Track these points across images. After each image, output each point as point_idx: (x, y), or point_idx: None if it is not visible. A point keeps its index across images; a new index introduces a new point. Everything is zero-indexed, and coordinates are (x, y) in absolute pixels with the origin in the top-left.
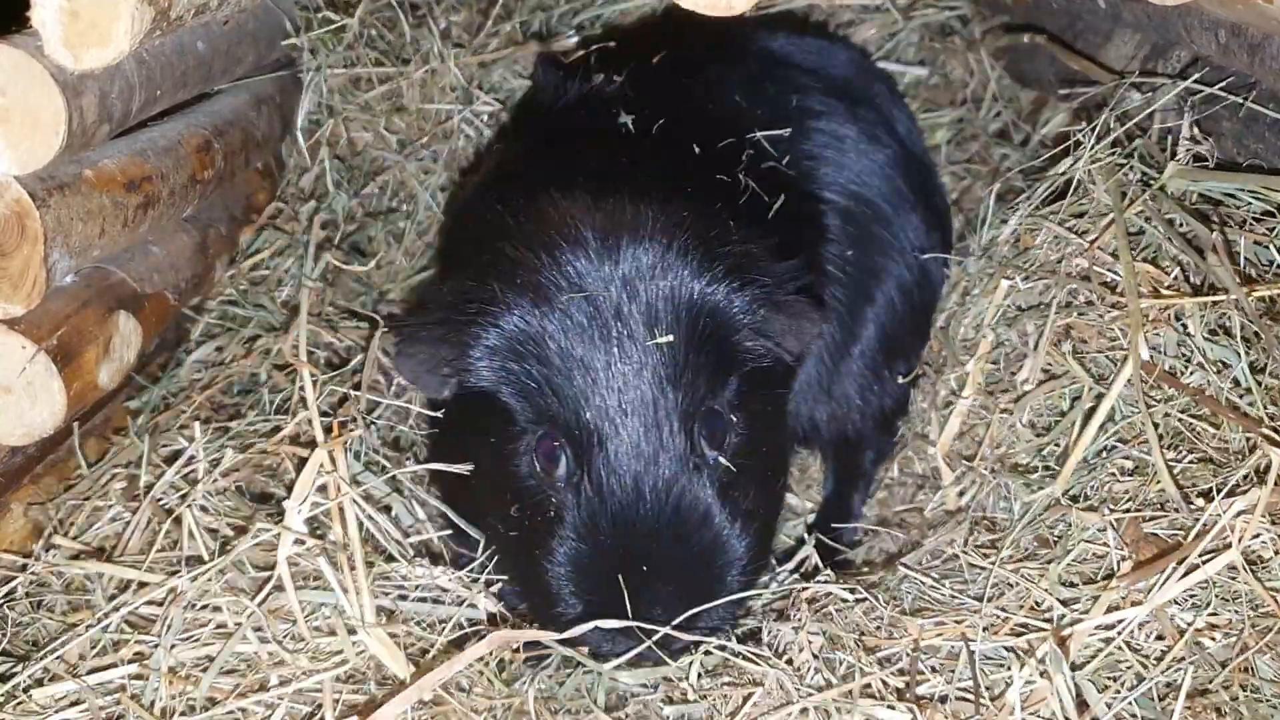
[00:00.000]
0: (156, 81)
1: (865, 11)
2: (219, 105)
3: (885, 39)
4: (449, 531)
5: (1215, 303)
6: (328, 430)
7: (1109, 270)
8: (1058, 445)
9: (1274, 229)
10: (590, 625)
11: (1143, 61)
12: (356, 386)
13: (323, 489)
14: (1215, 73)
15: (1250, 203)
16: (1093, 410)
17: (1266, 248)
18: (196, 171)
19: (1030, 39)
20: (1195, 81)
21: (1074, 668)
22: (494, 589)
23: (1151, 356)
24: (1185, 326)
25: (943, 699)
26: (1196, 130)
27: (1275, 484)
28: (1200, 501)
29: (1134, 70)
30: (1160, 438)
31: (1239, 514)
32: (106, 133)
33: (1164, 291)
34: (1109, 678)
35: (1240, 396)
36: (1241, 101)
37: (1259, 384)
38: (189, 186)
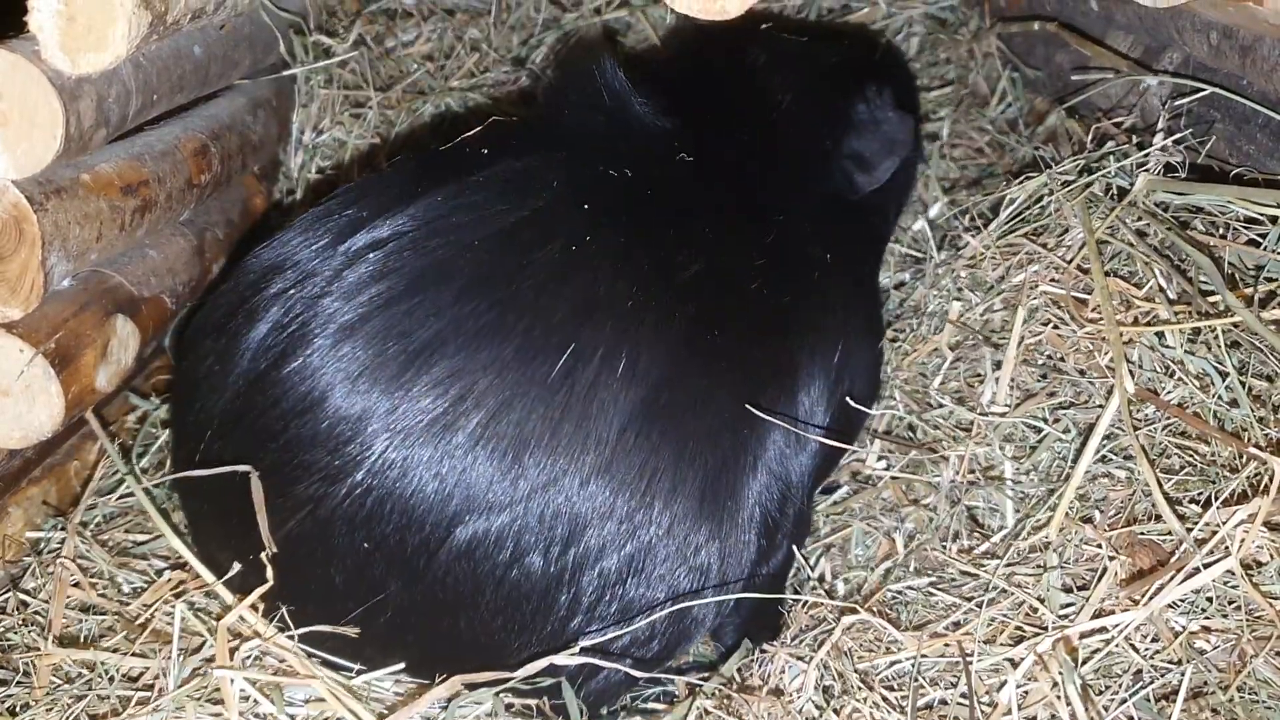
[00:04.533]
0: (153, 86)
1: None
2: (216, 109)
3: (885, 30)
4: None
5: (1198, 326)
6: None
7: (1081, 286)
8: (1039, 464)
9: (1264, 235)
10: (545, 662)
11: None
12: None
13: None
14: (1207, 75)
15: (1232, 209)
16: (1079, 439)
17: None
18: (193, 175)
19: (1041, 25)
20: (1188, 79)
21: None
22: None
23: (1135, 381)
24: (1163, 336)
25: (942, 704)
26: (1170, 141)
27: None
28: (1195, 508)
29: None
30: (1146, 452)
31: (1239, 524)
32: (104, 137)
33: (1139, 301)
34: (1106, 681)
35: (1229, 407)
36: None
37: (1244, 386)
38: (186, 190)
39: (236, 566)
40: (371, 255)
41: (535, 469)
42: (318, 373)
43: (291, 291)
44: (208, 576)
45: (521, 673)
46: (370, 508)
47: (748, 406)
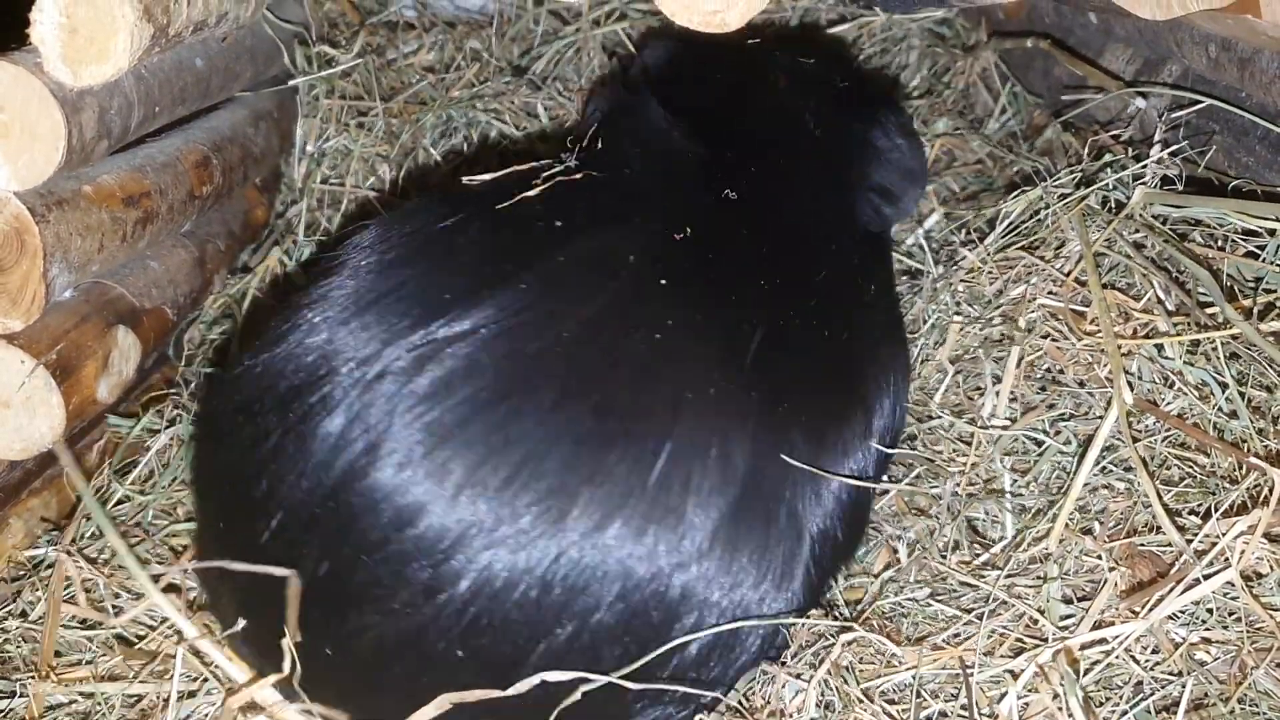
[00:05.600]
0: (155, 98)
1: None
2: (217, 121)
3: (883, 43)
4: None
5: (1196, 339)
6: None
7: (1079, 298)
8: (1039, 475)
9: (1262, 247)
10: (538, 678)
11: (1134, 75)
12: None
13: None
14: (1206, 87)
15: (1231, 221)
16: (1079, 450)
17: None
18: (195, 187)
19: (1034, 42)
20: (1187, 91)
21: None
22: None
23: (1134, 392)
24: (1162, 348)
25: (943, 716)
26: (1165, 154)
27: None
28: (1194, 519)
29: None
30: (1146, 463)
31: (1239, 535)
32: (105, 148)
33: (1137, 313)
34: (1106, 693)
35: (1229, 418)
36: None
37: (1243, 397)
38: (187, 202)
39: (240, 623)
40: (456, 348)
41: (629, 576)
42: (414, 482)
43: (365, 377)
44: (230, 669)
45: (514, 689)
46: (468, 621)
47: (802, 465)
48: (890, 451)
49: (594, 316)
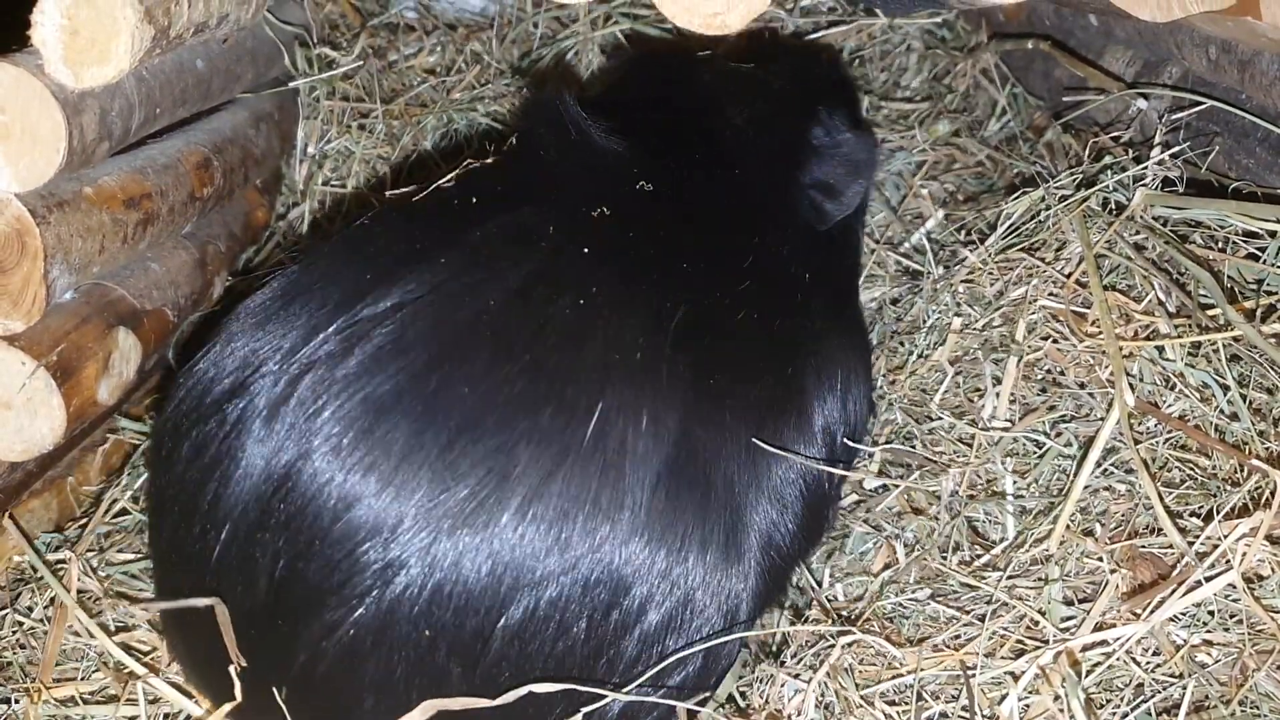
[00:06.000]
0: (156, 99)
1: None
2: (218, 123)
3: (884, 45)
4: None
5: (1198, 340)
6: None
7: (1080, 299)
8: (1040, 477)
9: (1263, 249)
10: (524, 690)
11: (1134, 77)
12: None
13: None
14: (1206, 89)
15: (1232, 223)
16: (1080, 452)
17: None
18: (195, 189)
19: (1034, 44)
20: (1187, 92)
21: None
22: None
23: (1135, 394)
24: (1163, 350)
25: (943, 718)
26: (1166, 155)
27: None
28: (1196, 521)
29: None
30: (1147, 465)
31: (1241, 537)
32: (106, 150)
33: (1138, 315)
34: (1107, 695)
35: (1230, 420)
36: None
37: (1245, 399)
38: (188, 204)
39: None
40: (387, 325)
41: (577, 538)
42: (355, 462)
43: (291, 367)
44: (186, 704)
45: (501, 699)
46: (429, 595)
47: (757, 441)
48: (856, 446)
49: (518, 284)
